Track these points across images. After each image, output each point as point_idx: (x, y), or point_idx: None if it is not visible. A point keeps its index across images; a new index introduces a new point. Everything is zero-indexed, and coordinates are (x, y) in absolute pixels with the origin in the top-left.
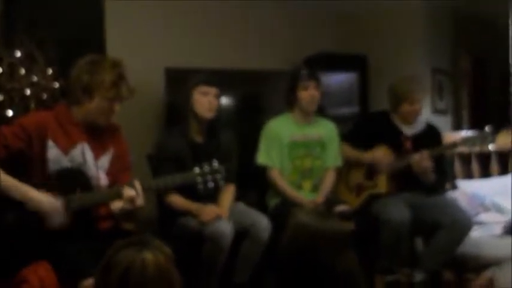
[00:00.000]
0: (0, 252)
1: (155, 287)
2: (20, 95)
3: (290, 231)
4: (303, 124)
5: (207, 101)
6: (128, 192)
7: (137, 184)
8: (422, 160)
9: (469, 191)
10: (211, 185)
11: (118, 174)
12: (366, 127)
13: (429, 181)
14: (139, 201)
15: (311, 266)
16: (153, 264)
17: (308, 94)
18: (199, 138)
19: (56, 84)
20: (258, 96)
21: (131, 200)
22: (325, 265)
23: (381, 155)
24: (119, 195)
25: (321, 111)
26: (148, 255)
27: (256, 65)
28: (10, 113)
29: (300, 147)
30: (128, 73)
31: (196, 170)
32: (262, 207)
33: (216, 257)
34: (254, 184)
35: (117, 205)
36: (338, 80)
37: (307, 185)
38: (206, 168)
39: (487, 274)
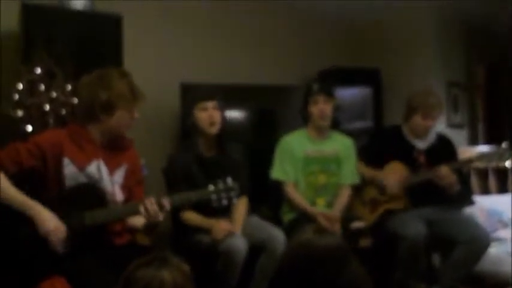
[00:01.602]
0: (17, 267)
1: None
2: (39, 110)
3: (289, 250)
4: (318, 139)
5: (208, 116)
6: (143, 209)
7: (165, 201)
8: (449, 173)
9: (486, 206)
10: (225, 202)
11: (133, 188)
12: (379, 143)
13: (455, 192)
14: (160, 216)
15: (313, 283)
16: (170, 284)
17: (318, 108)
18: (208, 153)
19: (75, 100)
20: (272, 111)
21: (152, 216)
22: (327, 281)
23: (391, 178)
24: (135, 211)
25: (336, 126)
26: (166, 274)
27: (271, 80)
28: (30, 128)
29: (315, 163)
30: (144, 88)
31: (211, 187)
32: (276, 222)
33: (230, 272)
34: (268, 199)
35: (139, 220)
36: (352, 94)
37: (321, 201)
38: (221, 185)
39: None
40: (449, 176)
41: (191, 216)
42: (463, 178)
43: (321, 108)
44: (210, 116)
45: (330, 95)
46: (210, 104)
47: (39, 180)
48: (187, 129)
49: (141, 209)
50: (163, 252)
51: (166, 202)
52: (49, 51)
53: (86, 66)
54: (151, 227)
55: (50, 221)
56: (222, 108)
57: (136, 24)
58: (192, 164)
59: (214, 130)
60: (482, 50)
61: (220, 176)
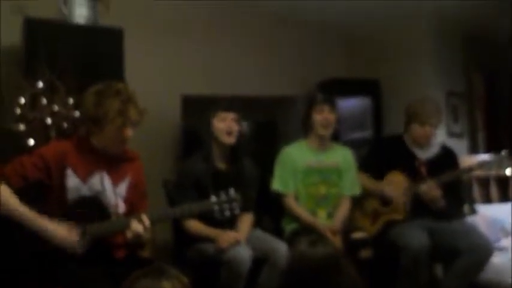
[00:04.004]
0: (16, 277)
1: None
2: (41, 124)
3: (288, 263)
4: (319, 150)
5: (226, 126)
6: (135, 226)
7: (145, 219)
8: (430, 190)
9: (488, 215)
10: (227, 213)
11: (136, 201)
12: (380, 153)
13: (439, 209)
14: (146, 235)
15: None
16: None
17: (323, 117)
18: (222, 165)
19: (76, 113)
20: (273, 122)
21: (137, 235)
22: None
23: (391, 189)
24: (126, 227)
25: (335, 137)
26: (166, 285)
27: (271, 91)
28: (31, 142)
29: (315, 173)
30: (135, 96)
31: (213, 198)
32: (277, 233)
33: (234, 283)
34: (269, 210)
35: (129, 234)
36: (351, 104)
37: (322, 212)
38: (223, 196)
39: None
40: (431, 192)
41: (195, 225)
42: (458, 192)
43: (326, 117)
44: (228, 126)
45: (334, 106)
46: (230, 115)
47: (43, 193)
48: (193, 139)
49: (132, 226)
50: (161, 264)
51: (146, 219)
52: (51, 65)
53: (87, 79)
54: (138, 242)
55: (58, 231)
56: (240, 121)
57: (137, 37)
58: (205, 175)
59: (231, 140)
60: (481, 59)
61: (229, 188)
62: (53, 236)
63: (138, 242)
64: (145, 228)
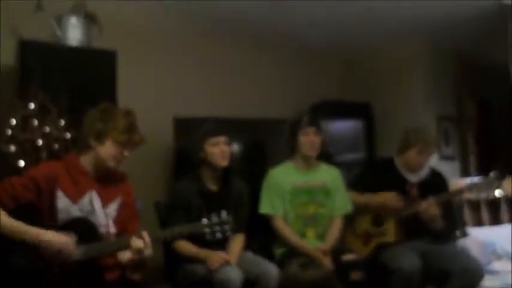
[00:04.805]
0: None
1: None
2: (32, 145)
3: (278, 285)
4: (305, 171)
5: (219, 150)
6: (136, 243)
7: (145, 235)
8: (430, 207)
9: (480, 238)
10: (219, 235)
11: (126, 222)
12: (371, 175)
13: (437, 228)
14: (148, 251)
15: None
16: None
17: (308, 140)
18: (213, 187)
19: (68, 135)
20: (264, 145)
21: (139, 251)
22: None
23: (390, 197)
24: (126, 246)
25: (328, 158)
26: None
27: (262, 114)
28: (22, 163)
29: (302, 194)
30: (138, 122)
31: (205, 221)
32: (267, 256)
33: None
34: (259, 233)
35: (125, 255)
36: (344, 127)
37: (311, 233)
38: (215, 219)
39: None
40: (431, 210)
41: (185, 246)
42: (451, 214)
43: (312, 140)
44: (221, 150)
45: (319, 128)
46: (221, 139)
47: (34, 214)
48: (184, 161)
49: (133, 243)
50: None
51: (146, 236)
52: (44, 87)
53: (80, 101)
54: (138, 263)
55: (55, 239)
56: (230, 142)
57: (130, 59)
58: (196, 197)
59: (225, 163)
60: (473, 84)
61: (221, 209)
62: (51, 240)
63: (140, 262)
64: (145, 243)
